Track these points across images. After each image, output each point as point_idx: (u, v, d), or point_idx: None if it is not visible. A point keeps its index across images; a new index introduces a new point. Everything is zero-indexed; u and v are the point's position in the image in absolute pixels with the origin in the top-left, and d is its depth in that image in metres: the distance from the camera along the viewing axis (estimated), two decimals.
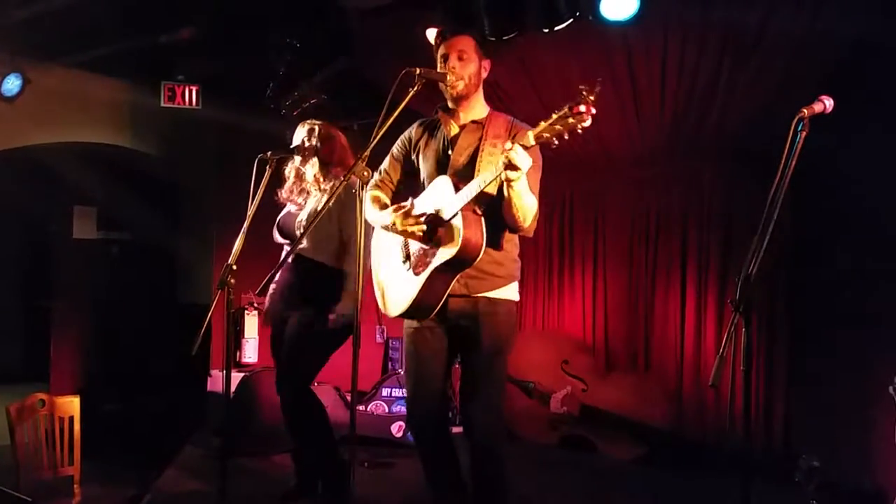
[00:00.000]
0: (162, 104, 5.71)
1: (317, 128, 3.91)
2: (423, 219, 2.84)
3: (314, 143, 3.86)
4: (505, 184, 2.63)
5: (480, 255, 2.74)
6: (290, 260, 3.78)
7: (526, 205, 2.73)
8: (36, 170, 6.48)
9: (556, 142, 2.45)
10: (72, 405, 3.38)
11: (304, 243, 3.78)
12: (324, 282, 3.76)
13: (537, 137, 2.48)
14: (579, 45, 4.52)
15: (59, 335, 7.04)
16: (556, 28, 4.08)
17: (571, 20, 4.03)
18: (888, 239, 4.16)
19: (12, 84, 5.25)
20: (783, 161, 2.22)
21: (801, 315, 4.75)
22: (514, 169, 2.53)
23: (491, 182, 2.66)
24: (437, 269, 2.79)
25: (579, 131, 2.39)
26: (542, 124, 2.46)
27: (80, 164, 6.35)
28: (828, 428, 4.46)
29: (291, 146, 3.90)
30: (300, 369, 3.83)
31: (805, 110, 2.26)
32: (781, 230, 4.44)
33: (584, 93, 2.34)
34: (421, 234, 2.84)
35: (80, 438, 3.38)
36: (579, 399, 5.42)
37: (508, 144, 2.54)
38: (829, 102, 2.31)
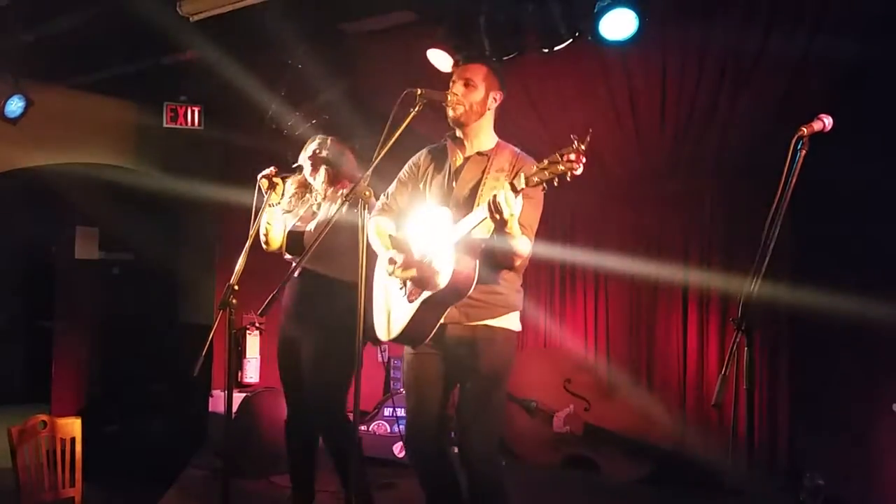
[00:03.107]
0: (164, 125, 5.74)
1: (329, 141, 3.88)
2: (410, 267, 2.86)
3: (325, 155, 3.82)
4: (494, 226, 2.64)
5: (471, 290, 2.74)
6: (296, 276, 3.76)
7: (517, 251, 2.72)
8: (38, 191, 6.49)
9: (546, 187, 2.47)
10: (73, 426, 3.37)
11: (314, 259, 3.74)
12: (348, 298, 3.75)
13: (528, 181, 2.49)
14: (579, 65, 4.54)
15: (60, 356, 7.02)
16: (556, 48, 4.10)
17: (571, 40, 4.05)
18: (889, 256, 4.16)
19: (15, 106, 5.27)
20: (783, 179, 2.23)
21: (804, 333, 4.74)
22: (499, 213, 2.53)
23: (480, 223, 2.66)
24: (427, 300, 2.80)
25: (569, 178, 2.41)
26: (534, 168, 2.47)
27: (83, 184, 6.37)
28: (831, 446, 4.44)
29: (300, 159, 3.86)
30: (341, 392, 3.76)
31: (804, 129, 2.28)
32: (782, 249, 4.44)
33: (576, 142, 2.36)
34: (410, 278, 2.86)
35: (82, 460, 3.37)
36: (582, 418, 5.40)
37: (500, 191, 2.54)
38: (828, 121, 2.33)
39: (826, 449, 4.48)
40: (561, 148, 2.41)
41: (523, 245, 2.75)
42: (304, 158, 3.88)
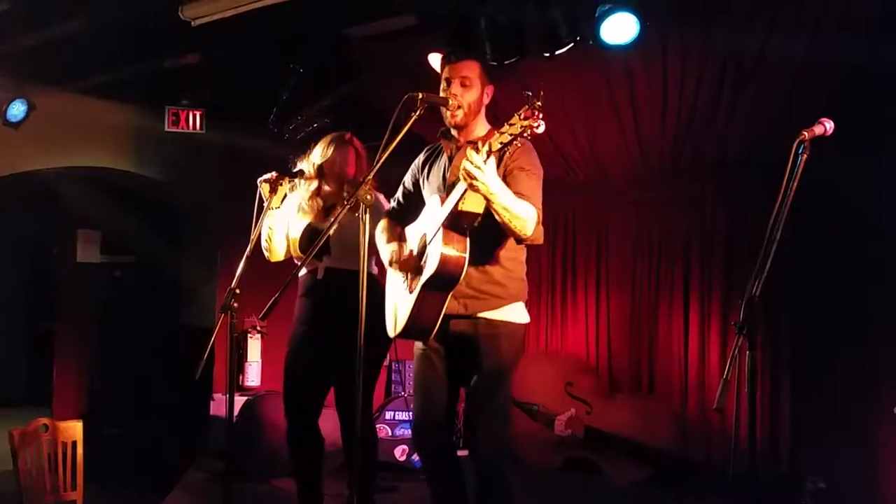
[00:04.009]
0: (166, 128, 5.74)
1: (354, 141, 3.82)
2: (405, 256, 2.95)
3: (351, 157, 3.79)
4: (484, 198, 2.60)
5: (464, 272, 2.72)
6: (319, 278, 3.73)
7: (517, 214, 2.64)
8: (40, 194, 6.51)
9: (512, 146, 2.49)
10: (75, 430, 3.37)
11: (339, 259, 3.71)
12: (370, 290, 3.70)
13: (492, 144, 2.48)
14: (580, 69, 4.55)
15: (62, 359, 7.04)
16: (557, 52, 4.11)
17: (572, 44, 4.06)
18: (890, 260, 4.16)
19: (17, 110, 5.29)
20: (784, 183, 2.23)
21: (805, 337, 4.74)
22: (472, 178, 2.50)
23: (462, 197, 2.64)
24: (424, 287, 2.80)
25: (528, 136, 2.41)
26: (496, 133, 2.47)
27: (85, 188, 6.39)
28: (833, 450, 4.44)
29: (316, 160, 3.79)
30: (371, 389, 3.73)
31: (805, 133, 2.27)
32: (784, 252, 4.44)
33: (531, 99, 2.35)
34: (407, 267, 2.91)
35: (83, 463, 3.37)
36: (584, 421, 5.40)
37: (464, 162, 2.52)
38: (829, 125, 2.32)
39: (828, 453, 4.47)
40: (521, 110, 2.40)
41: (523, 208, 2.67)
42: (320, 157, 3.79)
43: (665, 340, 5.42)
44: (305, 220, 3.82)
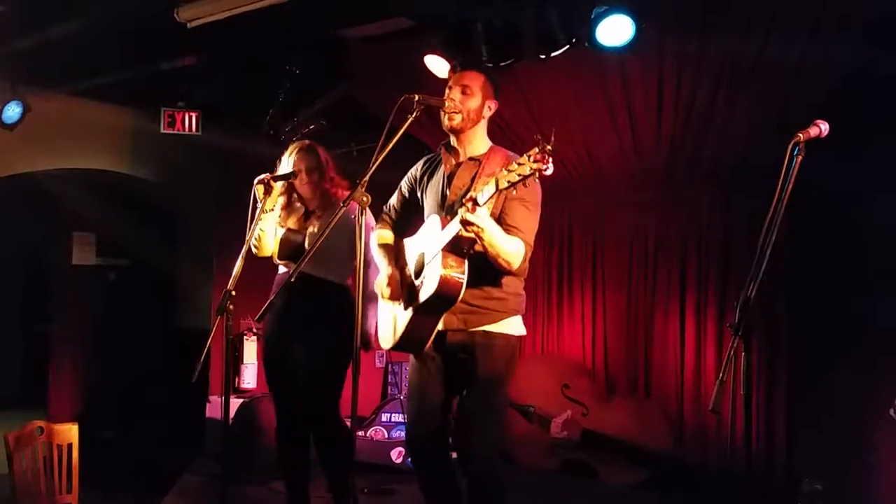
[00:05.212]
0: (162, 130, 5.73)
1: (317, 148, 3.85)
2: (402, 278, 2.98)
3: (316, 163, 3.80)
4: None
5: (461, 294, 2.73)
6: (292, 281, 3.72)
7: (504, 251, 2.70)
8: (36, 196, 6.50)
9: (515, 190, 2.48)
10: (70, 433, 3.36)
11: (312, 264, 3.72)
12: (340, 301, 3.72)
13: (498, 183, 2.48)
14: (576, 71, 4.55)
15: (57, 361, 7.02)
16: (553, 54, 4.11)
17: (568, 47, 4.06)
18: (887, 261, 4.17)
19: (13, 111, 5.28)
20: (780, 185, 2.23)
21: (801, 338, 4.74)
22: (469, 225, 2.55)
23: (457, 232, 2.66)
24: (419, 307, 2.82)
25: (537, 178, 2.41)
26: (504, 172, 2.46)
27: (80, 190, 6.38)
28: (829, 451, 4.44)
29: (285, 170, 3.80)
30: (332, 396, 3.73)
31: (801, 135, 2.28)
32: (779, 254, 4.44)
33: (542, 143, 2.36)
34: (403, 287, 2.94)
35: (79, 466, 3.36)
36: (580, 423, 5.40)
37: (462, 210, 2.55)
38: (824, 127, 2.33)
39: (824, 454, 4.47)
40: (530, 149, 2.40)
41: (512, 246, 2.73)
42: (289, 166, 3.81)
43: (661, 342, 5.42)
44: (282, 228, 3.83)
